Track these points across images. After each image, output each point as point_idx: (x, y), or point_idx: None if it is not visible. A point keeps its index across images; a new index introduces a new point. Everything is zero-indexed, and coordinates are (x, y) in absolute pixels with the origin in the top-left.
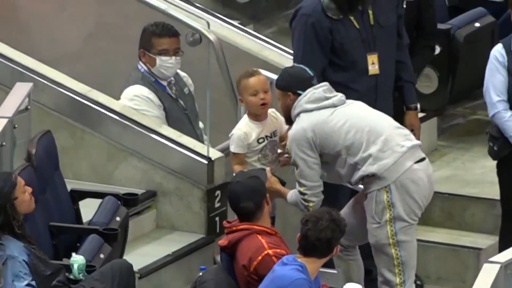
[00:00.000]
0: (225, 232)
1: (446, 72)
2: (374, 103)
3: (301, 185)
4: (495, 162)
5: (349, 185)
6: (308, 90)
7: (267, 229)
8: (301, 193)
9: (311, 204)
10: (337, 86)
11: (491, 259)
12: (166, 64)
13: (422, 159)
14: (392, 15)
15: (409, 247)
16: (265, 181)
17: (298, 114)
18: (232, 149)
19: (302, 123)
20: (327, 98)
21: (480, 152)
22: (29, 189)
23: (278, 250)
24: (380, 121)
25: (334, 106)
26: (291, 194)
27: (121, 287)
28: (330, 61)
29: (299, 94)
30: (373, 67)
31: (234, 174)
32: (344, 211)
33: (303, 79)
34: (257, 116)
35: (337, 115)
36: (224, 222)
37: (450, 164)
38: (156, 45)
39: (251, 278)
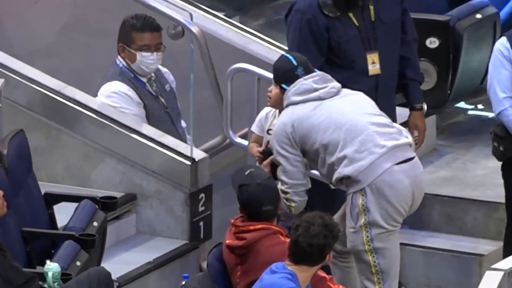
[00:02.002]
0: (233, 232)
1: (445, 66)
2: None
3: (283, 183)
4: (498, 163)
5: (331, 186)
6: (298, 80)
7: (281, 229)
8: (282, 191)
9: (293, 204)
10: None
11: (494, 266)
12: (147, 61)
13: (408, 160)
14: (396, 10)
15: (389, 254)
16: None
17: (286, 107)
18: (252, 127)
19: (284, 117)
20: (316, 90)
21: (482, 152)
22: (0, 193)
23: None
24: (364, 118)
25: (320, 99)
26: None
27: None
28: (328, 59)
29: (285, 89)
30: (374, 67)
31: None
32: (338, 214)
33: (285, 71)
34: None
35: (320, 110)
36: (233, 220)
37: (450, 165)
38: (136, 40)
39: None
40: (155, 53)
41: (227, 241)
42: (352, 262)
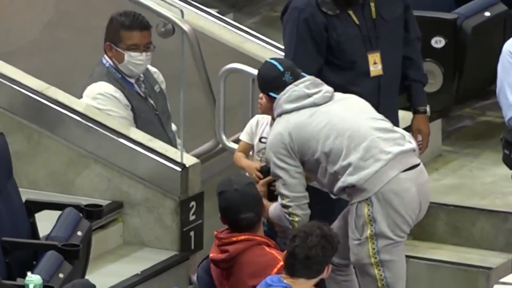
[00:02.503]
0: (216, 244)
1: (451, 67)
2: (376, 107)
3: (283, 197)
4: (507, 170)
5: (333, 196)
6: (288, 87)
7: (267, 240)
8: (284, 206)
9: (296, 219)
10: (336, 88)
11: (503, 279)
12: (135, 61)
13: (414, 166)
14: (398, 6)
15: (395, 267)
16: None
17: (278, 116)
18: (241, 135)
19: (279, 127)
20: (309, 96)
21: (490, 158)
22: None
23: None
24: (367, 123)
25: (316, 105)
26: (274, 208)
27: None
28: (327, 60)
29: (274, 97)
30: (376, 68)
31: (222, 181)
32: (335, 225)
33: (271, 79)
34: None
35: (318, 117)
36: (216, 232)
37: (456, 172)
38: (125, 39)
39: None
40: (144, 53)
41: (211, 255)
42: (351, 275)
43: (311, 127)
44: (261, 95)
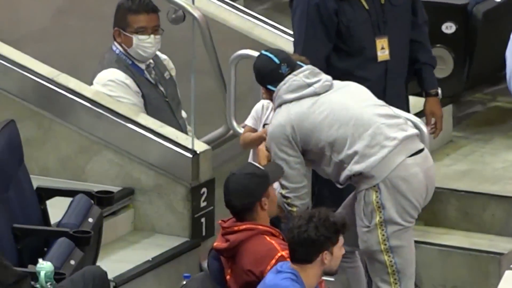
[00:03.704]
0: (221, 233)
1: (462, 53)
2: (383, 92)
3: (283, 187)
4: None
5: (339, 185)
6: (288, 77)
7: (271, 229)
8: (283, 196)
9: (294, 209)
10: (342, 74)
11: None
12: (144, 44)
13: (419, 151)
14: None
15: (405, 253)
16: (272, 179)
17: (278, 106)
18: (247, 120)
19: (280, 117)
20: (309, 85)
21: (501, 144)
22: None
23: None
24: (369, 110)
25: (316, 94)
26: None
27: None
28: (335, 46)
29: (272, 90)
30: (383, 53)
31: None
32: (339, 212)
33: (268, 72)
34: None
35: (320, 106)
36: (220, 221)
37: (467, 158)
38: (132, 23)
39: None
40: (152, 36)
41: (215, 244)
42: (356, 261)
43: (313, 117)
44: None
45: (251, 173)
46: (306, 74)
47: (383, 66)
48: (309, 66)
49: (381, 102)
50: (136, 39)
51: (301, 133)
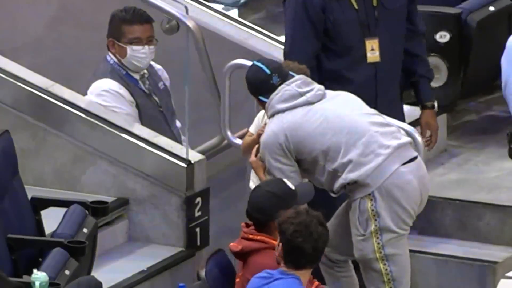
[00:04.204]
0: (240, 236)
1: (456, 62)
2: (374, 98)
3: None
4: None
5: (332, 194)
6: (280, 87)
7: None
8: None
9: None
10: (331, 75)
11: (509, 274)
12: (138, 55)
13: (412, 159)
14: None
15: (400, 260)
16: (303, 200)
17: (271, 116)
18: (250, 127)
19: (273, 126)
20: (302, 94)
21: (495, 153)
22: None
23: None
24: (363, 119)
25: (309, 103)
26: None
27: None
28: (324, 46)
29: (264, 101)
30: (373, 54)
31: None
32: (332, 223)
33: (259, 83)
34: None
35: (313, 115)
36: (243, 224)
37: (461, 167)
38: (126, 33)
39: None
40: (146, 47)
41: (231, 244)
42: (350, 271)
43: (306, 126)
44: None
45: (271, 192)
46: (299, 83)
47: (372, 69)
48: (301, 76)
49: (373, 110)
50: (130, 49)
51: (294, 141)
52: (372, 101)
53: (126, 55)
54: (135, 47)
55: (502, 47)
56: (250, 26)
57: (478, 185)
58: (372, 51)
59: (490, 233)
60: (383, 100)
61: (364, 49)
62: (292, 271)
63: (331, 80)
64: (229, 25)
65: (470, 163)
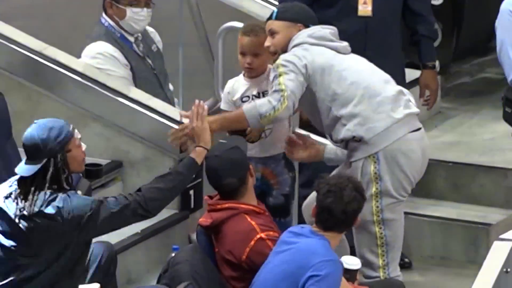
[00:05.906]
0: (207, 210)
1: (450, 24)
2: (362, 51)
3: (282, 87)
4: (506, 127)
5: (330, 141)
6: (314, 27)
7: (255, 208)
8: (275, 99)
9: (276, 113)
10: (322, 25)
11: (502, 236)
12: (137, 17)
13: (418, 129)
14: None
15: (396, 226)
16: (245, 150)
17: (296, 45)
18: (221, 105)
19: (297, 50)
20: (332, 41)
21: (489, 115)
22: (84, 146)
23: (271, 233)
24: (382, 82)
25: (337, 51)
26: (250, 107)
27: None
28: None
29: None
30: (364, 8)
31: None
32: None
33: (313, 15)
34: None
35: (340, 60)
36: (206, 197)
37: (455, 129)
38: None
39: (241, 266)
40: (145, 9)
41: (200, 220)
42: None
43: (330, 63)
44: (249, 61)
45: (232, 147)
46: (332, 32)
47: (363, 23)
48: (334, 27)
49: (390, 77)
50: (130, 11)
51: (314, 69)
52: (360, 53)
53: (125, 17)
54: (134, 9)
55: (495, 9)
56: None
57: (472, 147)
58: (365, 4)
59: (483, 195)
60: (375, 54)
61: (356, 0)
62: (321, 231)
63: None
64: None
65: (464, 126)
